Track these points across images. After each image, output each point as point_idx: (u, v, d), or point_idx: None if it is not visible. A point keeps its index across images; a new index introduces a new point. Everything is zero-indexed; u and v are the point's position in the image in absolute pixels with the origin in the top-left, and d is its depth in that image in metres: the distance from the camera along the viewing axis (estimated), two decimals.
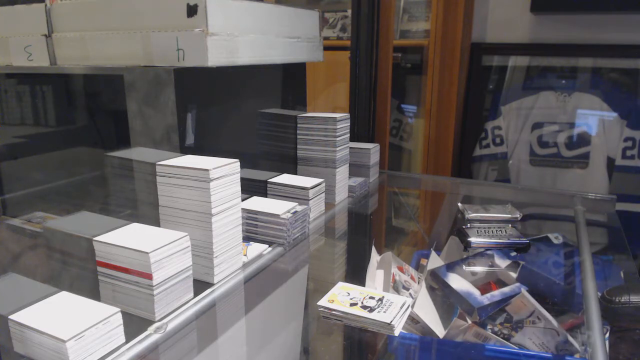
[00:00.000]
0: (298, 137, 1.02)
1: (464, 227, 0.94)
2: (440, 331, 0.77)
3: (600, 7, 1.59)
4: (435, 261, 0.88)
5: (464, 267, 0.83)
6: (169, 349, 0.56)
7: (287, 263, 0.79)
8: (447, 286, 0.79)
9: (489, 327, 0.75)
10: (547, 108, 1.76)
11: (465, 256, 0.89)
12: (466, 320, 0.74)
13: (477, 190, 1.45)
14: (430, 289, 0.82)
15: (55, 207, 0.89)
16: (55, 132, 0.92)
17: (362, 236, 1.08)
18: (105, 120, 0.87)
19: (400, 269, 0.85)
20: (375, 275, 0.84)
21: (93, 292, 0.61)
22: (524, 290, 0.74)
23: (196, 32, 0.71)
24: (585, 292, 0.73)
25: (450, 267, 0.83)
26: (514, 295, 0.74)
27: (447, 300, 0.80)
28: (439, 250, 0.98)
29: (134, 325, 0.56)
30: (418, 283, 0.86)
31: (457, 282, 0.79)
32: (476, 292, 0.76)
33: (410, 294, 0.82)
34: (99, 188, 0.81)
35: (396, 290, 0.81)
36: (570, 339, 0.71)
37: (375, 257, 0.87)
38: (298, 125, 1.01)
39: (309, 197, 0.89)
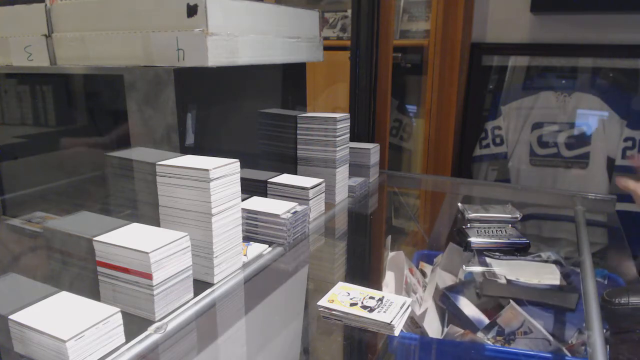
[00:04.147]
0: (298, 137, 1.02)
1: (464, 227, 0.94)
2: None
3: (600, 7, 1.59)
4: (438, 274, 0.88)
5: (475, 291, 0.83)
6: (169, 349, 0.56)
7: (287, 263, 0.79)
8: (458, 309, 0.79)
9: None
10: (547, 108, 1.76)
11: (468, 262, 0.89)
12: (461, 328, 0.74)
13: (477, 190, 1.45)
14: (439, 308, 0.82)
15: (55, 207, 0.89)
16: (55, 132, 0.92)
17: (362, 236, 1.08)
18: (105, 120, 0.87)
19: (411, 271, 0.85)
20: (387, 274, 0.84)
21: (93, 292, 0.61)
22: (512, 302, 0.74)
23: (196, 32, 0.71)
24: (585, 292, 0.73)
25: (461, 290, 0.83)
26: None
27: (454, 320, 0.80)
28: (438, 251, 0.98)
29: (134, 325, 0.56)
30: (423, 289, 0.86)
31: (468, 308, 0.79)
32: (485, 320, 0.77)
33: (416, 298, 0.82)
34: (99, 188, 0.81)
35: (407, 293, 0.81)
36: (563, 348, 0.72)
37: (390, 255, 0.87)
38: (298, 125, 1.01)
39: (309, 197, 0.89)
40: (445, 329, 0.80)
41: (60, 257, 0.63)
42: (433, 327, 0.79)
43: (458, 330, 0.74)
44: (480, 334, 0.75)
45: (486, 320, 0.77)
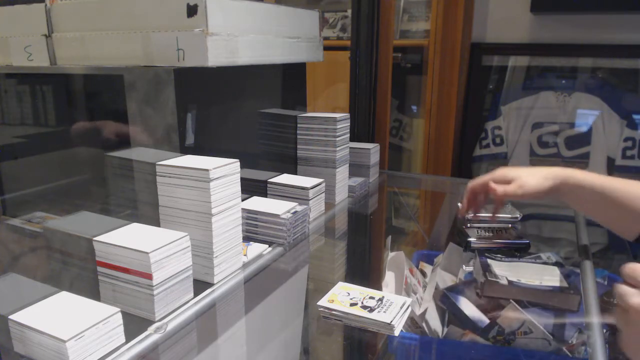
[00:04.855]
0: (298, 137, 1.02)
1: (464, 227, 0.94)
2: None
3: (600, 7, 1.59)
4: (438, 274, 0.88)
5: (475, 291, 0.82)
6: (169, 349, 0.56)
7: (287, 263, 0.79)
8: (458, 309, 0.79)
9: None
10: (547, 108, 1.76)
11: (469, 262, 0.89)
12: (460, 328, 0.74)
13: None
14: (439, 308, 0.82)
15: (55, 207, 0.89)
16: (55, 132, 0.92)
17: (362, 236, 1.08)
18: (105, 120, 0.87)
19: (411, 271, 0.85)
20: (387, 275, 0.84)
21: (93, 292, 0.61)
22: (512, 302, 0.74)
23: (196, 32, 0.71)
24: (585, 292, 0.73)
25: (461, 290, 0.83)
26: None
27: (454, 320, 0.80)
28: (438, 251, 0.98)
29: (134, 325, 0.56)
30: (423, 289, 0.86)
31: (468, 308, 0.79)
32: (485, 320, 0.77)
33: (417, 299, 0.82)
34: (99, 188, 0.81)
35: (407, 293, 0.81)
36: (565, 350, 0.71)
37: (390, 255, 0.87)
38: (298, 125, 1.01)
39: (309, 197, 0.89)
40: (446, 329, 0.79)
41: (60, 257, 0.63)
42: (433, 327, 0.79)
43: (458, 331, 0.74)
44: (480, 334, 0.75)
45: (486, 320, 0.77)
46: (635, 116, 1.66)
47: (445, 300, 0.82)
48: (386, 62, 1.35)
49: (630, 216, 0.70)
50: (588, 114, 1.71)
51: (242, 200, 0.75)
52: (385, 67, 1.34)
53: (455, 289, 0.84)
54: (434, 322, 0.81)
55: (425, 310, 0.78)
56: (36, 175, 0.93)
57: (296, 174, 1.01)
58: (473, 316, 0.77)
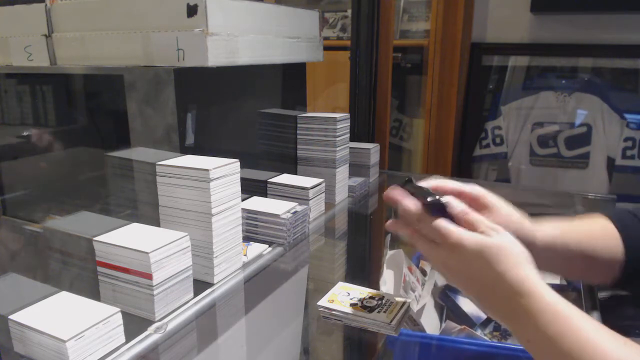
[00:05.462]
0: (298, 137, 1.02)
1: None
2: None
3: (600, 7, 1.59)
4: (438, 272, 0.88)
5: None
6: (169, 349, 0.56)
7: (287, 263, 0.79)
8: (456, 306, 0.79)
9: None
10: (547, 108, 1.76)
11: None
12: (458, 324, 0.74)
13: None
14: (437, 304, 0.82)
15: (55, 207, 0.89)
16: (55, 132, 0.92)
17: (362, 236, 1.08)
18: (105, 120, 0.87)
19: (410, 269, 0.85)
20: (385, 273, 0.84)
21: (93, 292, 0.61)
22: None
23: (196, 32, 0.71)
24: (585, 291, 0.73)
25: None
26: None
27: (452, 317, 0.80)
28: None
29: (134, 325, 0.56)
30: (421, 287, 0.86)
31: (467, 305, 0.79)
32: (483, 316, 0.77)
33: (415, 296, 0.82)
34: (99, 188, 0.81)
35: (405, 291, 0.81)
36: None
37: (389, 254, 0.87)
38: (298, 125, 1.01)
39: (309, 197, 0.89)
40: (443, 325, 0.80)
41: (60, 257, 0.63)
42: (430, 324, 0.79)
43: (455, 326, 0.74)
44: (477, 330, 0.75)
45: (484, 317, 0.77)
46: (635, 116, 1.66)
47: (444, 297, 0.82)
48: (386, 62, 1.35)
49: (605, 263, 0.60)
50: (588, 114, 1.71)
51: (242, 200, 0.75)
52: (385, 67, 1.34)
53: (454, 287, 0.84)
54: (432, 318, 0.81)
55: (423, 307, 0.78)
56: (36, 175, 0.94)
57: (296, 174, 1.01)
58: (471, 313, 0.78)
